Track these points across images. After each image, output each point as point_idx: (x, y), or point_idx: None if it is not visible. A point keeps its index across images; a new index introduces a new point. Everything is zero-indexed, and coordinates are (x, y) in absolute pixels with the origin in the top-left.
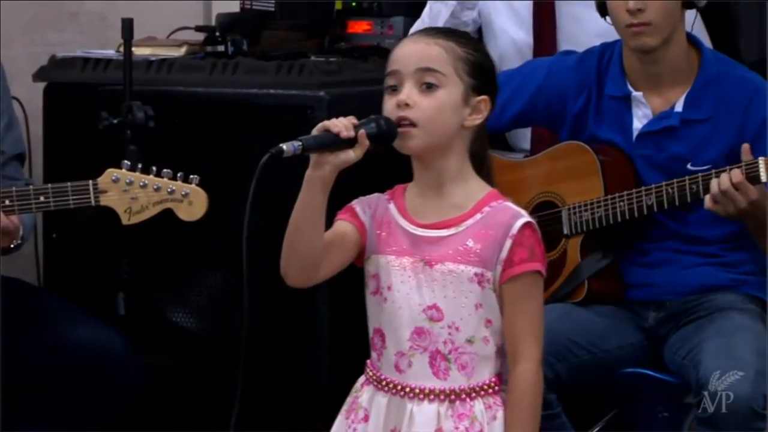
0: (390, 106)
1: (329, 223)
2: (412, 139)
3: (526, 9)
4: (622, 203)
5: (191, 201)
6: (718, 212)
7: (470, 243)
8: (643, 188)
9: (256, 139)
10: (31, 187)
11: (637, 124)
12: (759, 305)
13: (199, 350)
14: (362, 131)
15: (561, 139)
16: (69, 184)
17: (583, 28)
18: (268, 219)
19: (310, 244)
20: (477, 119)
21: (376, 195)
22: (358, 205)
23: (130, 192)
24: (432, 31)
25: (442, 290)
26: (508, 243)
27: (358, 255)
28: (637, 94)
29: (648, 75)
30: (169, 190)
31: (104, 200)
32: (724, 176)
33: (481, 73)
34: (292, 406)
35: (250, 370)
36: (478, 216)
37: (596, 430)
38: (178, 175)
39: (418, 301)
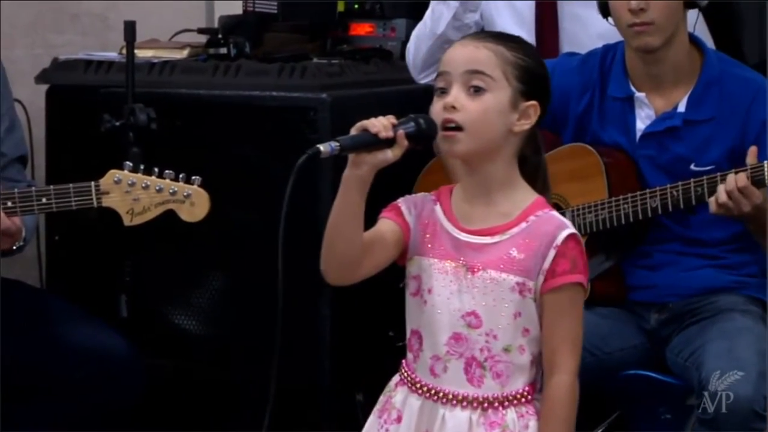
0: (437, 108)
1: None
2: (459, 143)
3: (528, 10)
4: (626, 205)
5: (193, 202)
6: (722, 215)
7: (514, 252)
8: (647, 191)
9: (258, 141)
10: (33, 188)
11: (640, 125)
12: (760, 307)
13: (200, 352)
14: (401, 131)
15: (563, 142)
16: (71, 185)
17: (586, 29)
18: (272, 220)
19: (349, 243)
20: (525, 124)
21: (422, 194)
22: (403, 203)
23: (132, 193)
24: (483, 35)
25: (482, 297)
26: (552, 254)
27: (400, 254)
28: (639, 94)
29: (650, 75)
30: (171, 191)
31: (106, 201)
32: (730, 180)
33: (530, 78)
34: (293, 407)
35: (251, 371)
36: (523, 225)
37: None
38: (180, 176)
39: (457, 306)
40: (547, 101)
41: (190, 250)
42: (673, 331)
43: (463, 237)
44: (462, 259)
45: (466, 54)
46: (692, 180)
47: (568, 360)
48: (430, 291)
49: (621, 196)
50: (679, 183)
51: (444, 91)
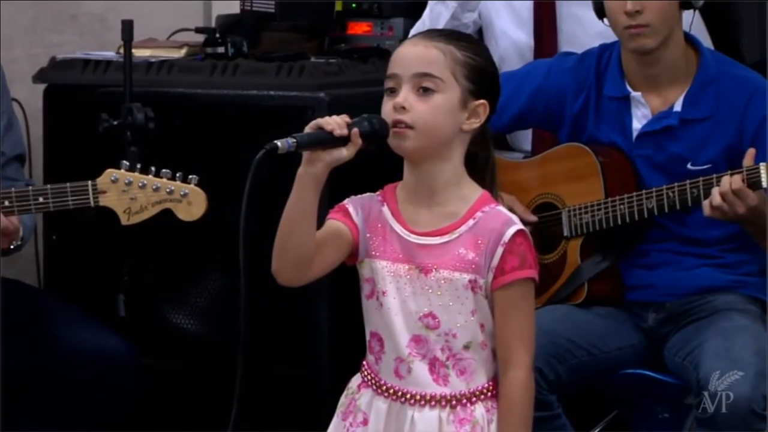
0: (387, 109)
1: (320, 221)
2: (408, 139)
3: (527, 10)
4: (622, 206)
5: (190, 201)
6: (717, 218)
7: (463, 251)
8: (644, 191)
9: (256, 140)
10: (30, 187)
11: (637, 125)
12: (759, 306)
13: (199, 352)
14: (355, 130)
15: (560, 141)
16: (68, 184)
17: (584, 29)
18: (269, 219)
19: (302, 242)
20: (475, 123)
21: (368, 195)
22: (350, 204)
23: (129, 192)
24: (433, 34)
25: (437, 298)
26: (500, 251)
27: (350, 255)
28: (635, 94)
29: (646, 75)
30: (168, 190)
31: (103, 201)
32: (724, 182)
33: (480, 77)
34: (293, 407)
35: (249, 370)
36: (471, 222)
37: (597, 431)
38: (177, 175)
39: (414, 308)
40: (497, 100)
41: (187, 249)
42: (670, 331)
43: (413, 239)
44: (414, 260)
45: (415, 54)
46: (688, 181)
47: (522, 355)
48: (384, 293)
49: (617, 197)
50: (675, 184)
51: (393, 91)
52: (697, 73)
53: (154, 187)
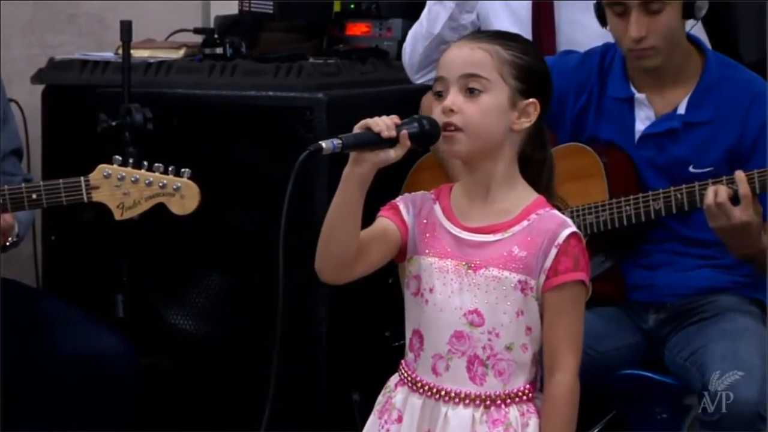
0: (436, 113)
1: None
2: (459, 143)
3: (525, 11)
4: (628, 207)
5: (183, 195)
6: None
7: (516, 250)
8: (650, 193)
9: (255, 141)
10: (23, 184)
11: (640, 126)
12: (759, 307)
13: (197, 352)
14: (404, 132)
15: (559, 140)
16: (61, 181)
17: (583, 30)
18: (266, 220)
19: (346, 241)
20: (525, 123)
21: (421, 193)
22: (402, 202)
23: (122, 187)
24: (478, 35)
25: (484, 295)
26: (554, 252)
27: (398, 253)
28: (640, 96)
29: (651, 77)
30: (160, 184)
31: (96, 196)
32: (709, 193)
33: (528, 76)
34: (292, 407)
35: (248, 371)
36: (525, 223)
37: (596, 431)
38: (170, 169)
39: (459, 304)
40: (548, 97)
41: (186, 249)
42: (671, 331)
43: (465, 235)
44: (463, 257)
45: (461, 57)
46: (697, 183)
47: (569, 359)
48: (431, 290)
49: (623, 198)
50: (683, 186)
51: (441, 95)
52: (701, 76)
53: (146, 181)
